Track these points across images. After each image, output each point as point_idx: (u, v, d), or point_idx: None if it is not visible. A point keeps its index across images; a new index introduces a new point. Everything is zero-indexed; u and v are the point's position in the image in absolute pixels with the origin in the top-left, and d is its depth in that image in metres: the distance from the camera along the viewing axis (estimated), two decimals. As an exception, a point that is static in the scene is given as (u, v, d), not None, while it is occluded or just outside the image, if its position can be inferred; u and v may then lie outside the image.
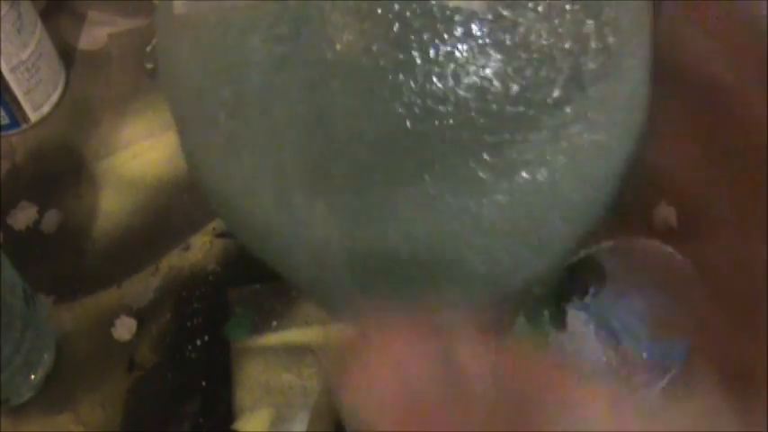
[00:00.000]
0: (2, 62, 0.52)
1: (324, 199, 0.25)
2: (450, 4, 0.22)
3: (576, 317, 0.45)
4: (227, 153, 0.27)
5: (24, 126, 0.56)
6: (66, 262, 0.51)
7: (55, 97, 0.57)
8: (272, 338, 0.48)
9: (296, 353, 0.48)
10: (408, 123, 0.23)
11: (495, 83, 0.23)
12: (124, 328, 0.49)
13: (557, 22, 0.23)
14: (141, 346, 0.48)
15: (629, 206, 0.33)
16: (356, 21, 0.23)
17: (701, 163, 0.24)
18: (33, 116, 0.56)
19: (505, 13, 0.22)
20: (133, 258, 0.51)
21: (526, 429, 0.18)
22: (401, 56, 0.22)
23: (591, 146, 0.25)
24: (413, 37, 0.22)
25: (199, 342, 0.48)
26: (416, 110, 0.23)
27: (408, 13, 0.22)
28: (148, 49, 0.60)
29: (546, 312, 0.44)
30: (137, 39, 0.61)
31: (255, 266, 0.51)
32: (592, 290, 0.43)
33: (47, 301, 0.49)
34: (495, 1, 0.22)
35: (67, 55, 0.60)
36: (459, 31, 0.22)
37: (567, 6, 0.23)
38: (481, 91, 0.23)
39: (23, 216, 0.53)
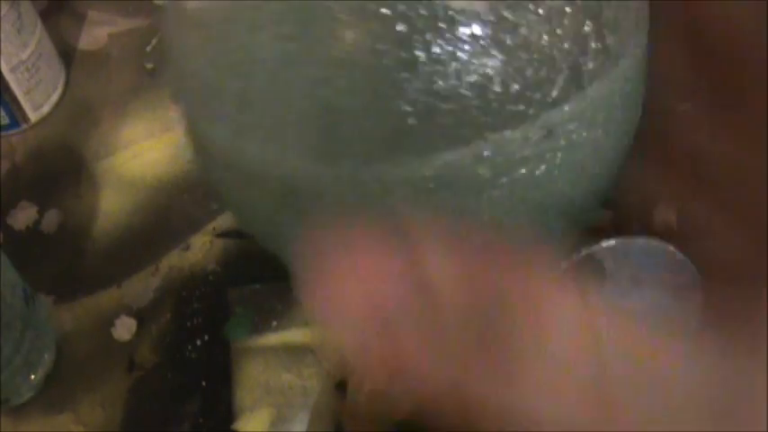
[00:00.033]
0: (2, 62, 0.52)
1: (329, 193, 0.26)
2: (454, 5, 0.22)
3: (576, 317, 0.45)
4: (235, 147, 0.28)
5: (24, 126, 0.56)
6: (66, 262, 0.51)
7: (55, 97, 0.57)
8: (272, 338, 0.48)
9: (296, 353, 0.48)
10: (411, 120, 0.23)
11: (496, 82, 0.23)
12: (124, 328, 0.49)
13: (557, 23, 0.24)
14: (141, 346, 0.48)
15: (629, 206, 0.33)
16: (361, 20, 0.23)
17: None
18: (33, 116, 0.56)
19: (507, 14, 0.23)
20: (133, 258, 0.51)
21: (497, 340, 0.18)
22: (405, 55, 0.22)
23: (588, 143, 0.26)
24: (417, 36, 0.22)
25: (199, 342, 0.48)
26: (419, 107, 0.23)
27: (413, 14, 0.22)
28: (148, 49, 0.60)
29: (546, 312, 0.44)
30: (137, 39, 0.61)
31: (255, 266, 0.51)
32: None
33: (47, 301, 0.49)
34: (498, 2, 0.23)
35: (67, 55, 0.60)
36: (461, 32, 0.22)
37: (568, 8, 0.24)
38: (482, 89, 0.23)
39: (23, 216, 0.53)
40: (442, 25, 0.22)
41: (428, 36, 0.22)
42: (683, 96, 0.28)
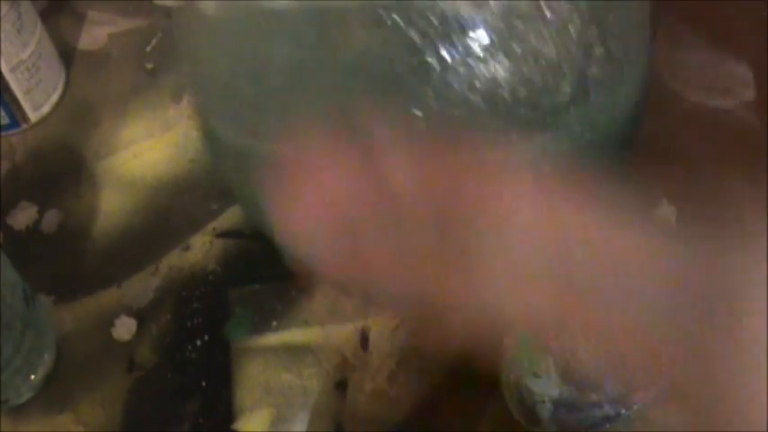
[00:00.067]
0: (2, 62, 0.52)
1: None
2: (465, 15, 0.22)
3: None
4: (248, 147, 0.29)
5: (24, 126, 0.56)
6: (66, 262, 0.51)
7: (55, 97, 0.57)
8: (272, 338, 0.48)
9: (296, 353, 0.48)
10: (424, 125, 0.24)
11: (505, 88, 0.23)
12: (124, 328, 0.49)
13: (564, 32, 0.24)
14: (141, 346, 0.48)
15: (629, 206, 0.33)
16: (375, 28, 0.23)
17: None
18: (33, 116, 0.56)
19: (517, 23, 0.23)
20: (133, 258, 0.51)
21: (457, 239, 0.18)
22: (417, 62, 0.23)
23: (591, 143, 0.26)
24: (428, 44, 0.23)
25: (199, 342, 0.48)
26: (431, 112, 0.24)
27: (424, 22, 0.22)
28: (148, 49, 0.60)
29: (546, 312, 0.44)
30: (137, 39, 0.61)
31: (255, 266, 0.51)
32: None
33: (47, 301, 0.49)
34: (508, 12, 0.23)
35: (67, 55, 0.60)
36: (472, 40, 0.23)
37: (575, 17, 0.24)
38: (492, 95, 0.23)
39: (23, 216, 0.53)
40: (452, 33, 0.22)
41: (439, 43, 0.22)
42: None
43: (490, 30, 0.23)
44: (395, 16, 0.23)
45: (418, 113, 0.24)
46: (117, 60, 0.60)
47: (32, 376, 0.46)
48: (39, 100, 0.56)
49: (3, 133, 0.56)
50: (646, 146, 0.32)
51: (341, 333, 0.48)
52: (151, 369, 0.48)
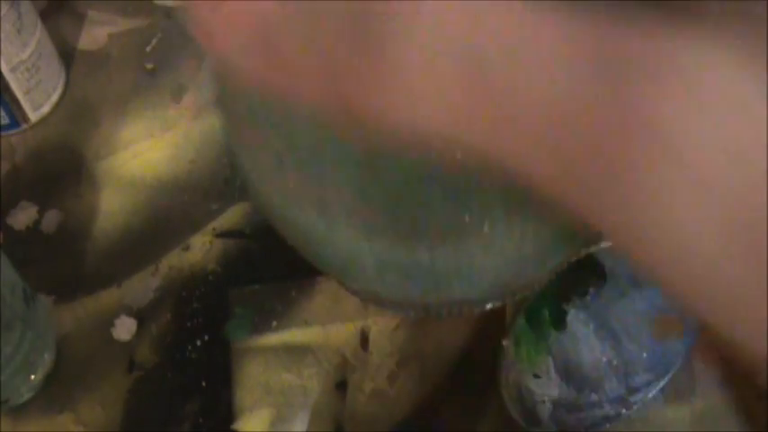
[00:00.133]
0: (2, 62, 0.52)
1: (359, 219, 0.29)
2: None
3: (576, 317, 0.45)
4: (276, 178, 0.30)
5: (24, 126, 0.56)
6: (66, 262, 0.51)
7: (55, 97, 0.57)
8: (272, 338, 0.48)
9: (296, 353, 0.48)
10: (436, 170, 0.24)
11: None
12: (124, 328, 0.49)
13: None
14: (141, 346, 0.48)
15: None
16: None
17: None
18: (33, 116, 0.56)
19: None
20: (133, 258, 0.51)
21: (371, 37, 0.18)
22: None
23: None
24: None
25: (199, 342, 0.48)
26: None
27: None
28: (148, 49, 0.60)
29: (546, 312, 0.44)
30: (137, 39, 0.61)
31: (255, 266, 0.51)
32: (592, 290, 0.43)
33: (47, 301, 0.49)
34: None
35: (67, 55, 0.60)
36: None
37: None
38: None
39: (23, 216, 0.53)
40: None
41: None
42: None
43: None
44: None
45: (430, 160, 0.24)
46: (117, 60, 0.60)
47: (32, 376, 0.46)
48: (39, 100, 0.56)
49: (3, 133, 0.56)
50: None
51: (341, 333, 0.48)
52: (151, 369, 0.48)
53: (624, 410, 0.44)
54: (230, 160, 0.54)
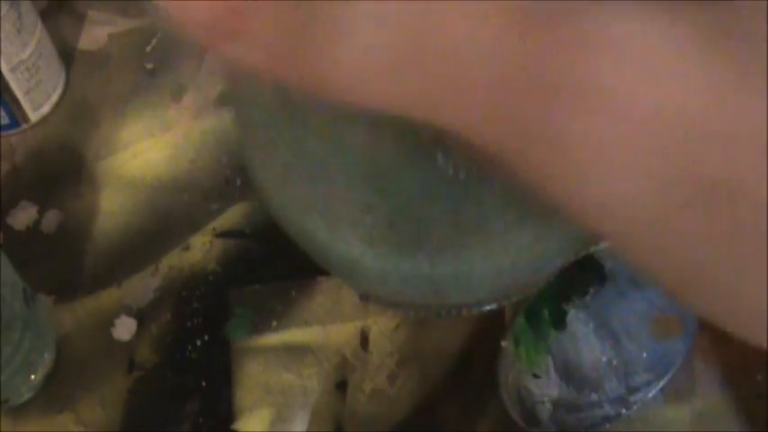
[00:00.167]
0: (2, 62, 0.52)
1: (362, 229, 0.30)
2: None
3: (576, 317, 0.45)
4: (284, 186, 0.32)
5: (24, 126, 0.56)
6: (66, 262, 0.51)
7: (55, 97, 0.57)
8: (272, 338, 0.48)
9: (296, 353, 0.48)
10: (441, 184, 0.25)
11: None
12: (124, 328, 0.49)
13: None
14: (141, 346, 0.48)
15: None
16: None
17: None
18: (33, 116, 0.56)
19: None
20: (133, 258, 0.51)
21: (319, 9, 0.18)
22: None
23: None
24: None
25: (199, 342, 0.48)
26: (447, 176, 0.25)
27: None
28: (148, 49, 0.60)
29: (546, 312, 0.44)
30: (137, 39, 0.61)
31: (255, 266, 0.51)
32: (592, 290, 0.43)
33: (47, 301, 0.49)
34: None
35: (67, 55, 0.60)
36: None
37: None
38: None
39: (23, 216, 0.53)
40: None
41: None
42: None
43: None
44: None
45: (435, 175, 0.25)
46: (117, 60, 0.60)
47: (32, 376, 0.46)
48: (39, 100, 0.56)
49: (3, 133, 0.56)
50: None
51: (341, 333, 0.48)
52: (151, 369, 0.48)
53: (624, 410, 0.44)
54: (230, 161, 0.54)
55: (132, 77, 0.59)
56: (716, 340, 0.46)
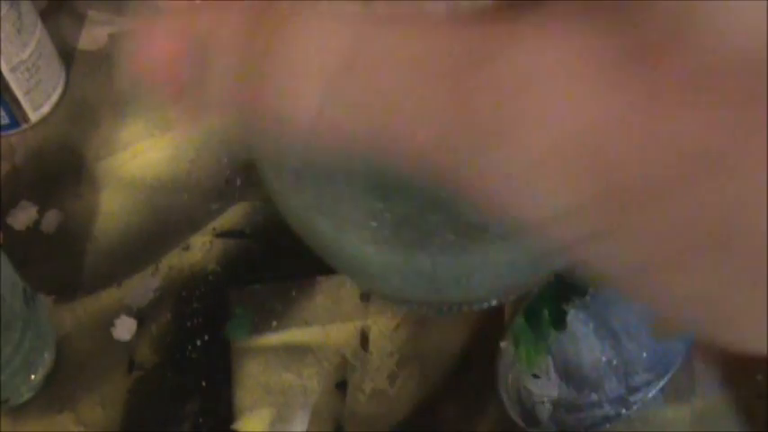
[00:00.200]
0: (2, 62, 0.52)
1: (366, 232, 0.31)
2: None
3: (576, 317, 0.45)
4: (293, 189, 0.32)
5: (24, 126, 0.56)
6: (66, 262, 0.51)
7: (55, 97, 0.57)
8: (272, 338, 0.48)
9: (296, 353, 0.48)
10: (442, 192, 0.26)
11: None
12: (124, 328, 0.49)
13: None
14: (141, 346, 0.48)
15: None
16: None
17: None
18: (33, 116, 0.56)
19: None
20: (133, 258, 0.51)
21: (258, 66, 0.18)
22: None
23: None
24: None
25: (199, 342, 0.48)
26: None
27: None
28: (148, 49, 0.60)
29: (546, 312, 0.44)
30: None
31: (255, 266, 0.51)
32: (592, 290, 0.43)
33: (47, 301, 0.49)
34: None
35: (67, 55, 0.60)
36: None
37: None
38: None
39: (23, 216, 0.53)
40: None
41: None
42: None
43: None
44: None
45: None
46: (117, 60, 0.60)
47: (32, 376, 0.46)
48: (39, 100, 0.56)
49: (3, 133, 0.56)
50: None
51: (341, 333, 0.48)
52: (151, 369, 0.48)
53: (624, 410, 0.44)
54: (230, 161, 0.54)
55: (132, 77, 0.59)
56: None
